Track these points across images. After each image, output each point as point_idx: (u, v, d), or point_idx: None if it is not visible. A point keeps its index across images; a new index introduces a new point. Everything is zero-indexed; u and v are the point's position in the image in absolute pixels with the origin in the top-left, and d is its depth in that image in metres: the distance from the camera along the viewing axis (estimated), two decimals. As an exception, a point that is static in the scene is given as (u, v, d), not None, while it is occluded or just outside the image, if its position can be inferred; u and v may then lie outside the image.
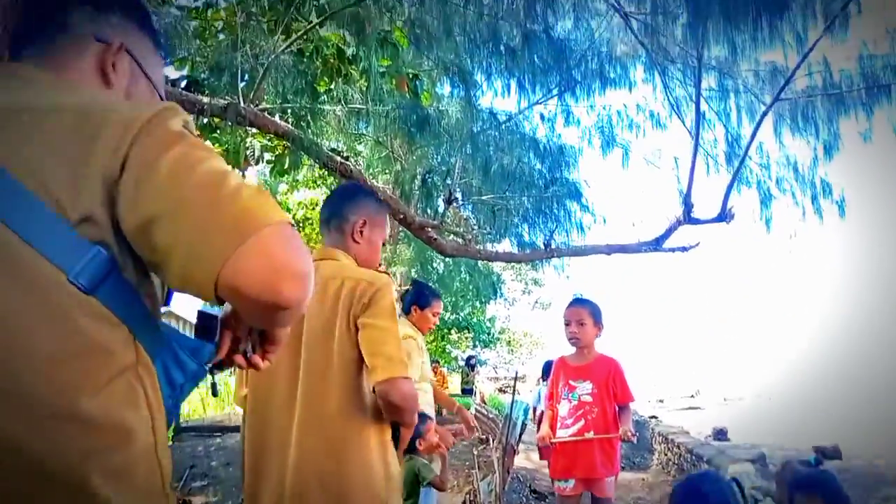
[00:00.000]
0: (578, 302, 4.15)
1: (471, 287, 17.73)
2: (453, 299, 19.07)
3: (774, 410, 26.95)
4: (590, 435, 3.91)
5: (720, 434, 17.23)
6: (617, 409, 3.98)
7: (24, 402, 0.82)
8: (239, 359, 1.11)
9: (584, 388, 4.00)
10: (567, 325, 4.07)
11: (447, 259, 16.87)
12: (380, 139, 7.69)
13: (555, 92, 7.31)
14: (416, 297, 4.53)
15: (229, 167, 0.96)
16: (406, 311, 4.54)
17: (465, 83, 6.80)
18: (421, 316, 4.45)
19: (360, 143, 9.09)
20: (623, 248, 6.95)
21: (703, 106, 8.95)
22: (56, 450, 0.83)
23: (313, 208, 25.48)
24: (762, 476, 6.00)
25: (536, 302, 25.04)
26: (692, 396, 35.60)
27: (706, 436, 16.74)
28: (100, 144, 0.90)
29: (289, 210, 26.06)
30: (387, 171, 9.51)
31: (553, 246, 6.87)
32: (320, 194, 24.62)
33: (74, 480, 0.84)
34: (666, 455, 9.92)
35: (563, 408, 4.07)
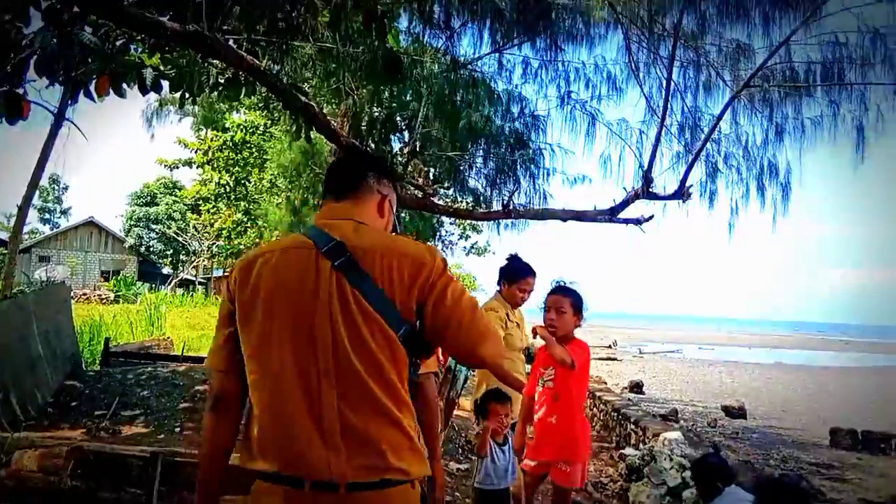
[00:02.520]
0: (561, 290, 4.05)
1: (411, 228, 17.74)
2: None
3: (685, 367, 28.29)
4: (552, 420, 3.92)
5: (636, 387, 17.97)
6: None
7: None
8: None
9: (549, 374, 3.97)
10: (546, 311, 4.00)
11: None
12: (331, 69, 7.33)
13: (517, 42, 7.16)
14: (507, 272, 4.68)
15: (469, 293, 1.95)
16: (497, 284, 4.74)
17: (432, 26, 6.58)
18: (509, 291, 4.66)
19: (308, 69, 8.70)
20: (579, 216, 6.98)
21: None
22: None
23: (252, 132, 24.74)
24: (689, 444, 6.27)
25: (473, 247, 25.11)
26: (609, 347, 36.88)
27: (623, 387, 17.43)
28: (420, 278, 1.82)
29: (226, 131, 25.23)
30: (334, 102, 9.16)
31: (511, 207, 6.85)
32: (260, 118, 23.90)
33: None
34: (591, 410, 10.29)
35: (536, 394, 4.08)
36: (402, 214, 16.28)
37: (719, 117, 6.63)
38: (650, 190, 6.56)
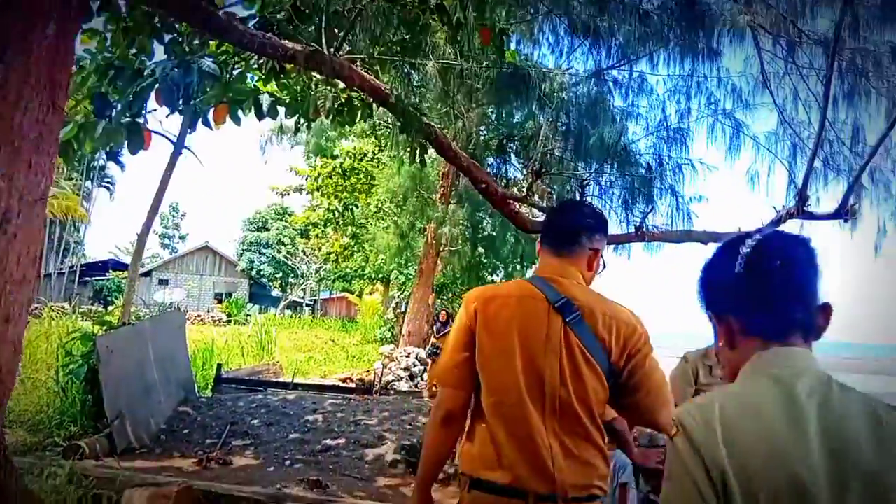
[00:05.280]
0: None
1: (519, 251, 17.25)
2: (501, 264, 18.60)
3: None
4: None
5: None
6: None
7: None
8: None
9: None
10: None
11: (496, 222, 16.40)
12: (447, 90, 6.97)
13: (634, 57, 6.59)
14: None
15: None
16: None
17: (576, 31, 6.14)
18: None
19: (417, 95, 8.43)
20: (720, 238, 6.25)
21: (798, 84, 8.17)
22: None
23: (361, 159, 25.08)
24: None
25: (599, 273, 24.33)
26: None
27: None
28: (631, 339, 2.14)
29: (335, 158, 25.72)
30: (444, 128, 8.90)
31: (644, 229, 6.23)
32: (368, 145, 24.21)
33: None
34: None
35: None
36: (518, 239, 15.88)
37: (891, 125, 5.81)
38: (805, 209, 5.80)
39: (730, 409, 1.16)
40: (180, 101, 6.05)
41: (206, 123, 7.18)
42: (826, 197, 7.36)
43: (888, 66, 7.44)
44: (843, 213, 5.78)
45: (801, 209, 5.75)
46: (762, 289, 1.25)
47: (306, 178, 28.62)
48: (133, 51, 6.24)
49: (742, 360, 1.27)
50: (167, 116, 7.30)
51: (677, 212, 6.31)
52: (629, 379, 2.13)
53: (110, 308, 22.78)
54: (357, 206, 26.81)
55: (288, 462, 7.14)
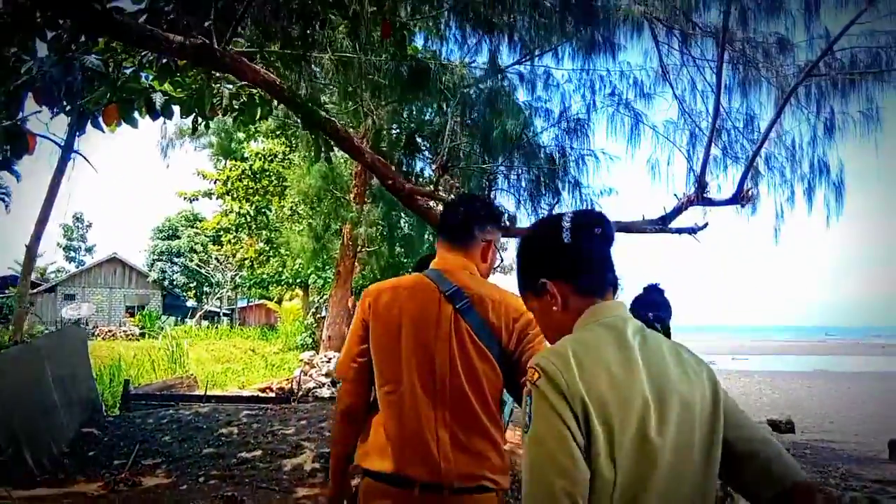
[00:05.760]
0: None
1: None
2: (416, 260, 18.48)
3: (720, 380, 27.19)
4: None
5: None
6: None
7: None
8: None
9: None
10: None
11: (413, 220, 16.30)
12: (350, 88, 6.83)
13: (538, 53, 6.65)
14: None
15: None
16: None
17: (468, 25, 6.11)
18: None
19: (324, 93, 8.22)
20: (626, 227, 6.38)
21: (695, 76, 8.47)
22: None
23: (271, 160, 24.49)
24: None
25: (497, 267, 24.56)
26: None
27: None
28: (519, 322, 2.19)
29: (245, 160, 25.03)
30: (352, 126, 8.77)
31: (551, 221, 6.24)
32: (278, 145, 23.65)
33: None
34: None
35: None
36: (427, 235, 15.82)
37: (778, 113, 6.06)
38: (704, 196, 5.96)
39: (579, 352, 1.35)
40: (63, 102, 5.68)
41: (97, 125, 6.79)
42: (726, 184, 7.66)
43: (776, 55, 7.78)
44: (739, 198, 5.97)
45: (700, 196, 5.91)
46: (587, 254, 1.50)
47: (215, 182, 27.74)
48: (13, 49, 5.82)
49: (574, 316, 1.49)
50: (51, 118, 6.83)
51: (582, 203, 6.42)
52: (520, 358, 2.18)
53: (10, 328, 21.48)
54: (270, 210, 26.19)
55: (202, 478, 6.86)
